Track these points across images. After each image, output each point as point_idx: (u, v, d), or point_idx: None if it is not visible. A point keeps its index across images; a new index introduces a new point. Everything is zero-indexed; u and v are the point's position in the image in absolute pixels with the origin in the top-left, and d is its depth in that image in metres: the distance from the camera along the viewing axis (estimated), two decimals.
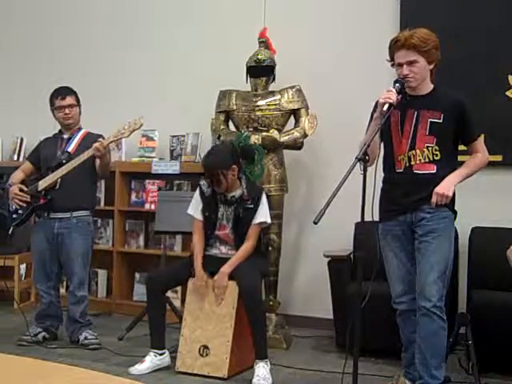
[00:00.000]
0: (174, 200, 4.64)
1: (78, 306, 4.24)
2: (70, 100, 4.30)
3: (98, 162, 4.18)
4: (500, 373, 3.70)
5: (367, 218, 2.93)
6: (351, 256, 4.39)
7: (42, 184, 4.16)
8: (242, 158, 3.99)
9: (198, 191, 3.98)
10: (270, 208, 4.36)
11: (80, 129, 4.38)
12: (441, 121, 3.18)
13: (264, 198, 3.90)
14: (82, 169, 4.12)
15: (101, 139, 4.08)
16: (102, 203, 5.47)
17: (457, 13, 4.50)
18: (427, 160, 3.18)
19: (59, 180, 4.15)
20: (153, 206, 5.18)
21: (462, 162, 3.28)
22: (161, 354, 3.81)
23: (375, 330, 3.67)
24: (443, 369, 3.18)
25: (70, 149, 4.23)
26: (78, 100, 4.35)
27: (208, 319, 3.76)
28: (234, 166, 3.83)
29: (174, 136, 5.36)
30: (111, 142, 4.10)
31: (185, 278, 3.88)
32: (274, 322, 4.48)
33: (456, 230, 3.51)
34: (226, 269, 3.75)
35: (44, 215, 4.23)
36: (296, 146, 4.63)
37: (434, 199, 3.11)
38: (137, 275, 5.41)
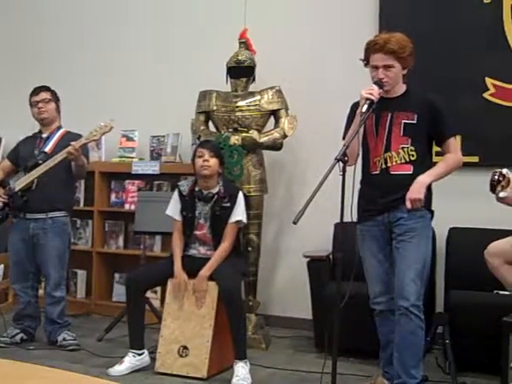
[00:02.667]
0: (154, 200, 4.64)
1: (55, 307, 4.22)
2: (43, 95, 4.29)
3: (73, 163, 4.17)
4: (476, 372, 3.73)
5: (346, 219, 2.94)
6: (330, 256, 4.41)
7: (19, 184, 4.14)
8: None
9: (176, 192, 3.99)
10: (250, 208, 4.39)
11: (59, 128, 4.36)
12: (415, 121, 3.21)
13: (240, 197, 3.91)
14: (58, 169, 4.11)
15: (73, 142, 4.07)
16: (82, 203, 5.44)
17: (435, 15, 4.54)
18: (403, 161, 3.21)
19: (35, 181, 4.13)
20: (132, 207, 5.16)
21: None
22: (140, 355, 3.80)
23: (354, 330, 3.68)
24: (421, 368, 3.20)
25: (47, 148, 4.22)
26: (54, 97, 4.34)
27: (187, 319, 3.76)
28: (220, 158, 3.89)
29: (154, 136, 5.35)
30: (83, 144, 4.10)
31: (164, 278, 3.88)
32: (253, 322, 4.48)
33: (433, 230, 3.56)
34: (205, 272, 3.75)
35: (20, 215, 4.21)
36: (276, 146, 4.65)
37: (407, 205, 3.14)
38: (116, 276, 5.39)
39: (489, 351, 3.41)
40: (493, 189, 2.73)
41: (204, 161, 3.85)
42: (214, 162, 3.87)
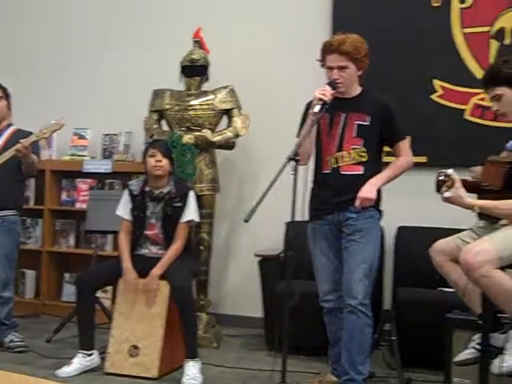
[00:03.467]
0: (106, 199, 4.61)
1: (2, 308, 4.14)
2: None
3: (23, 160, 4.12)
4: (422, 367, 3.80)
5: (298, 218, 2.98)
6: (281, 255, 4.44)
7: None
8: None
9: (126, 191, 3.97)
10: (202, 207, 4.39)
11: (9, 125, 4.29)
12: (368, 123, 3.26)
13: (192, 197, 3.91)
14: (7, 167, 4.04)
15: (22, 140, 4.01)
16: (32, 202, 5.37)
17: (386, 17, 4.62)
18: (354, 161, 3.26)
19: None
20: (84, 205, 5.11)
21: (388, 163, 3.38)
22: (89, 355, 3.77)
23: (304, 327, 3.73)
24: (368, 364, 3.26)
25: None
26: (5, 94, 4.26)
27: (138, 319, 3.74)
28: (171, 158, 3.90)
29: (106, 134, 5.31)
30: (32, 142, 4.04)
31: (115, 277, 3.84)
32: (204, 321, 4.49)
33: (382, 229, 3.62)
34: (156, 271, 3.74)
35: None
36: (228, 145, 4.67)
37: (357, 203, 3.19)
38: (66, 275, 5.33)
39: (433, 347, 3.48)
40: (438, 189, 2.79)
41: (157, 161, 3.83)
42: (166, 162, 3.86)
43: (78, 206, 5.26)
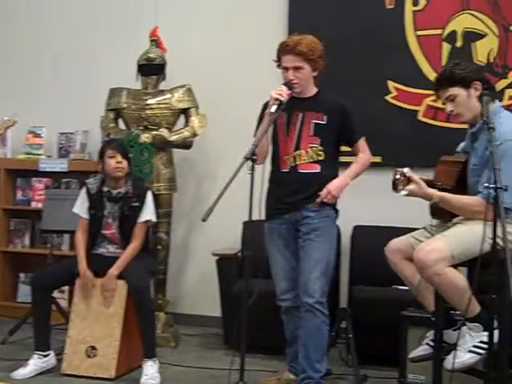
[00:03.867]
0: (62, 198, 4.56)
1: None
2: None
3: None
4: (378, 364, 3.86)
5: (255, 217, 2.99)
6: (239, 254, 4.47)
7: None
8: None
9: (83, 190, 3.94)
10: (159, 207, 4.39)
11: None
12: (324, 122, 3.31)
13: (149, 197, 3.91)
14: None
15: None
16: None
17: (341, 18, 4.66)
18: (311, 160, 3.30)
19: None
20: (40, 205, 5.04)
21: (344, 163, 3.44)
22: (45, 356, 3.73)
23: (262, 326, 3.74)
24: (325, 362, 3.31)
25: None
26: None
27: (96, 319, 3.72)
28: (129, 159, 3.88)
29: (62, 133, 5.25)
30: None
31: (72, 277, 3.81)
32: (162, 320, 4.49)
33: (338, 228, 3.67)
34: (114, 271, 3.72)
35: None
36: (185, 145, 4.67)
37: (323, 195, 3.22)
38: (21, 275, 5.25)
39: (389, 344, 3.54)
40: (395, 187, 2.86)
41: (117, 162, 3.81)
42: (126, 163, 3.85)
43: (34, 205, 5.18)
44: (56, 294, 4.21)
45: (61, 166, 5.03)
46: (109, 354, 3.64)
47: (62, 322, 4.24)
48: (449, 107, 3.02)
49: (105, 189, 3.88)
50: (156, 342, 3.78)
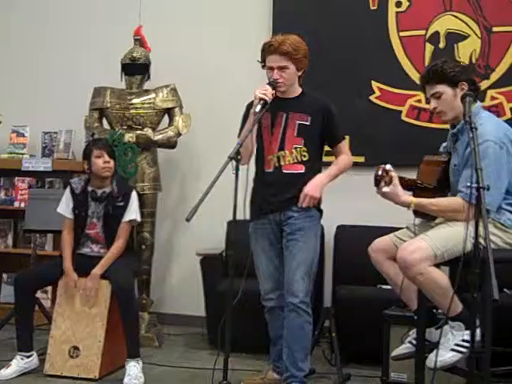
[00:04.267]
0: (46, 198, 4.51)
1: None
2: None
3: None
4: (360, 363, 3.88)
5: (239, 217, 3.01)
6: (223, 254, 4.47)
7: None
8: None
9: (68, 189, 3.92)
10: (144, 206, 4.38)
11: None
12: (308, 123, 3.32)
13: (134, 196, 3.90)
14: None
15: None
16: None
17: (325, 18, 4.68)
18: (296, 160, 3.31)
19: None
20: (23, 204, 5.02)
21: (327, 163, 3.45)
22: (28, 357, 3.72)
23: (246, 326, 3.74)
24: (308, 361, 3.32)
25: None
26: None
27: (79, 319, 3.70)
28: (114, 158, 3.88)
29: (46, 132, 5.21)
30: None
31: (55, 277, 3.80)
32: (146, 320, 4.48)
33: (322, 228, 3.68)
34: (98, 271, 3.71)
35: None
36: (170, 144, 4.66)
37: (301, 200, 3.24)
38: (4, 276, 5.21)
39: (372, 343, 3.57)
40: (377, 183, 2.87)
41: (105, 162, 3.80)
42: (113, 162, 3.84)
43: (17, 204, 5.15)
44: (39, 294, 4.18)
45: (44, 165, 5.00)
46: (92, 354, 3.63)
47: (45, 323, 4.22)
48: (433, 104, 3.03)
49: (89, 188, 3.87)
50: (140, 341, 3.77)
